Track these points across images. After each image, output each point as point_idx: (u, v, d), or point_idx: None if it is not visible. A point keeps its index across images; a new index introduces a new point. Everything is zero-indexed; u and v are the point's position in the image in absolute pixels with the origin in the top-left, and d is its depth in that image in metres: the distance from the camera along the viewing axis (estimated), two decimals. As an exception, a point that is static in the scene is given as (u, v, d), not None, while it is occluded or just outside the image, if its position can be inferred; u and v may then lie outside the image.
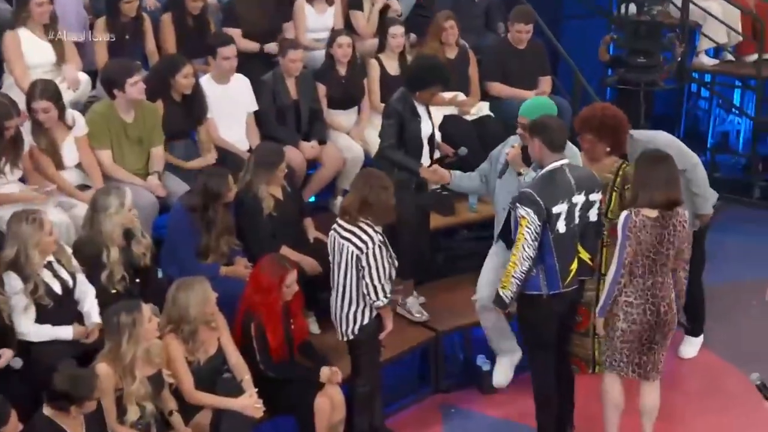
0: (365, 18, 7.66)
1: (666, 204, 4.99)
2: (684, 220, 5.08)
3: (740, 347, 6.72)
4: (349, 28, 7.50)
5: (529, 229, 4.91)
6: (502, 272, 5.13)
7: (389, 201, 5.11)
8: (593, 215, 5.13)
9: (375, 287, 5.07)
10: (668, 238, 5.01)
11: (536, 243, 4.94)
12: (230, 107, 6.53)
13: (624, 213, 5.04)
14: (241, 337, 5.18)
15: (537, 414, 5.37)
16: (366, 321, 5.20)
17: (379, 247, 5.05)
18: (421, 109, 6.01)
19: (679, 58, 8.45)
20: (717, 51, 9.52)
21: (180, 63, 6.15)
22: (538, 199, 4.92)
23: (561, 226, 4.98)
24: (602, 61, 8.47)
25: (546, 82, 7.67)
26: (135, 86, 5.82)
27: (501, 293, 5.06)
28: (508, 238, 5.23)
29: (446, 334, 6.30)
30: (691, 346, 6.65)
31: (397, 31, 7.13)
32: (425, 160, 6.04)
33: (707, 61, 9.34)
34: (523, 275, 4.98)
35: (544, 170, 5.07)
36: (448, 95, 7.16)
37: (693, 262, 5.48)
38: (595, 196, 5.13)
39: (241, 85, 6.61)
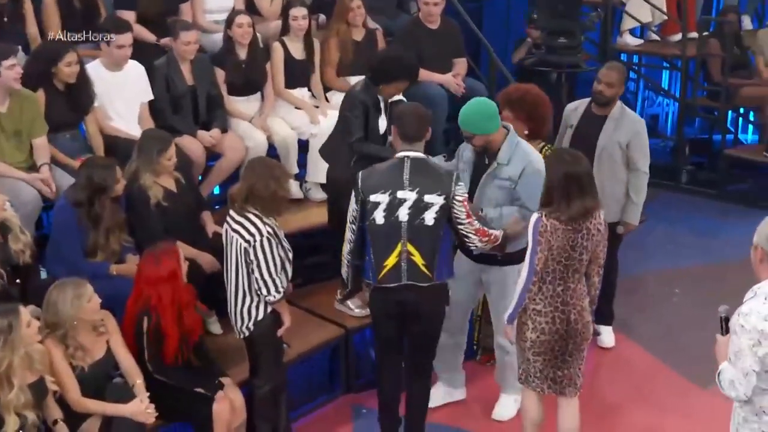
0: (269, -2, 7.66)
1: (568, 221, 4.82)
2: (599, 222, 4.90)
3: (663, 338, 6.90)
4: (252, 9, 7.47)
5: (349, 209, 5.20)
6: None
7: (279, 192, 5.11)
8: (429, 219, 5.04)
9: (266, 281, 5.08)
10: (581, 242, 4.85)
11: (354, 226, 5.19)
12: (123, 96, 6.45)
13: (535, 215, 4.89)
14: (133, 339, 5.14)
15: (378, 415, 5.55)
16: (260, 316, 5.20)
17: (268, 239, 5.05)
18: (381, 104, 6.07)
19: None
20: (642, 31, 9.71)
21: (62, 50, 6.01)
22: (359, 182, 5.15)
23: (378, 217, 5.09)
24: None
25: (461, 65, 7.70)
26: (11, 70, 5.67)
27: (341, 270, 5.37)
28: None
29: (356, 331, 6.33)
30: (608, 335, 6.81)
31: (298, 12, 7.11)
32: None
33: (631, 41, 9.52)
34: (350, 256, 5.29)
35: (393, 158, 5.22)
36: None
37: (606, 267, 5.33)
38: (435, 199, 5.03)
39: (135, 72, 6.54)
